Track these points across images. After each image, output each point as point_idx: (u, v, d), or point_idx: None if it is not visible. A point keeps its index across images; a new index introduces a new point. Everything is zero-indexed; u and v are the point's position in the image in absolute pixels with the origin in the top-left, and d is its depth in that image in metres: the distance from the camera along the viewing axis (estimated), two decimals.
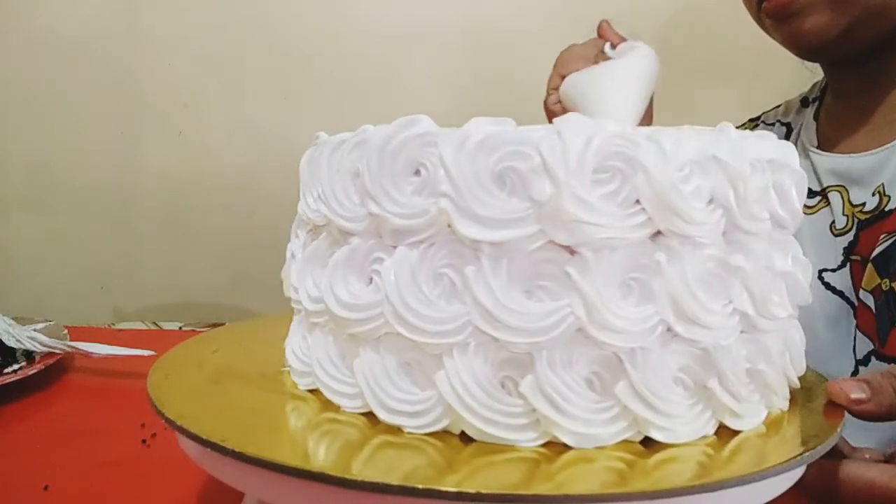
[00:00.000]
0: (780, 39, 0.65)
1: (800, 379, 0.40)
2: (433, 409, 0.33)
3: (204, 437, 0.32)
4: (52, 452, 0.54)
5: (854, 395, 0.39)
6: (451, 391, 0.33)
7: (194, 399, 0.38)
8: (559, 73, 0.70)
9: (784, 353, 0.38)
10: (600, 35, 0.72)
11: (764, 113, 0.80)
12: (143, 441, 0.55)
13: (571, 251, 0.32)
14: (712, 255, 0.34)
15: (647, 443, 0.33)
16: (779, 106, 0.79)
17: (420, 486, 0.28)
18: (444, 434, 0.34)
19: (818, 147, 0.69)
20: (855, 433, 0.40)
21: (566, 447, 0.32)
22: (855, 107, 0.67)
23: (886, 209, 0.61)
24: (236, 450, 0.31)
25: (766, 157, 0.36)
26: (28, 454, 0.54)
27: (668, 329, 0.33)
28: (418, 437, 0.34)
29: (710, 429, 0.34)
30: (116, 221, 1.16)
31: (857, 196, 0.64)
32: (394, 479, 0.29)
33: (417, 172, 0.34)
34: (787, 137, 0.73)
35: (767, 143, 0.38)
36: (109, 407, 0.64)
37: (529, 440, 0.33)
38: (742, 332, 0.35)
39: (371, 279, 0.36)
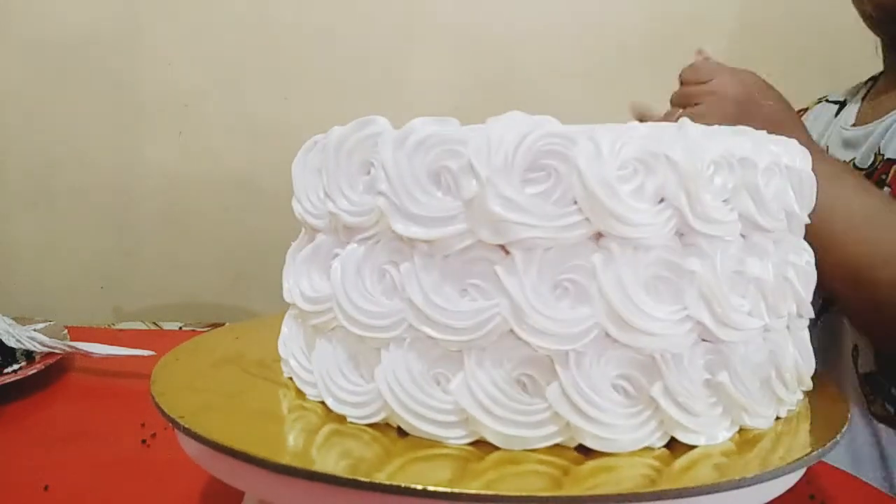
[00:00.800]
0: (870, 5, 0.65)
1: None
2: (374, 401, 0.34)
3: (205, 437, 0.33)
4: (52, 452, 0.54)
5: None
6: (386, 385, 0.33)
7: (196, 398, 0.38)
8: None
9: (765, 367, 0.36)
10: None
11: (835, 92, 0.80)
12: (143, 441, 0.55)
13: (506, 251, 0.32)
14: (660, 258, 0.33)
15: (585, 451, 0.32)
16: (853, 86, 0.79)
17: (438, 489, 0.28)
18: (385, 426, 0.34)
19: (853, 125, 0.70)
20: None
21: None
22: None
23: (879, 164, 0.63)
24: (236, 448, 0.31)
25: (738, 156, 0.34)
26: (28, 454, 0.54)
27: (607, 334, 0.32)
28: (360, 427, 0.34)
29: (657, 440, 0.33)
30: (116, 221, 1.16)
31: (862, 161, 0.66)
32: (401, 481, 0.29)
33: (369, 171, 0.36)
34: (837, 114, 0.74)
35: (741, 139, 0.36)
36: (109, 407, 0.64)
37: (457, 437, 0.33)
38: (703, 340, 0.34)
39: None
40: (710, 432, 0.33)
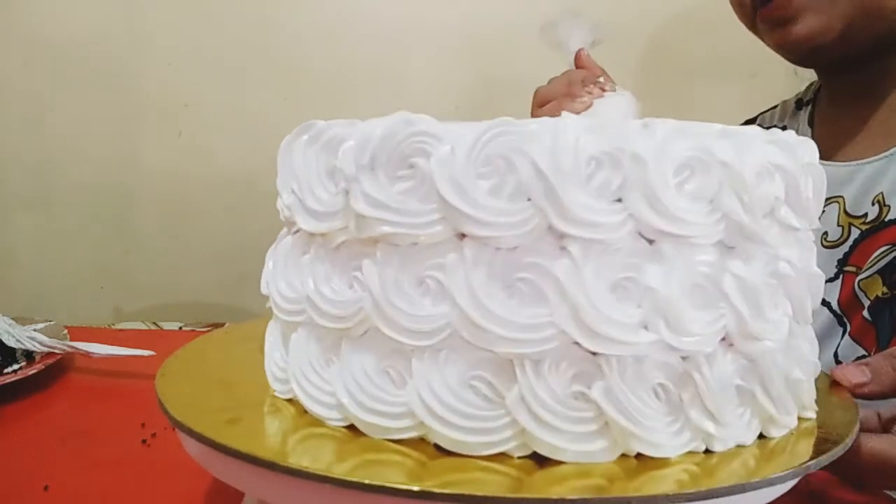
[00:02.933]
0: (773, 45, 0.64)
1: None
2: (338, 401, 0.34)
3: (206, 437, 0.33)
4: (52, 452, 0.54)
5: (856, 380, 0.41)
6: (341, 381, 0.34)
7: (199, 399, 0.38)
8: (539, 106, 0.67)
9: (745, 380, 0.35)
10: (578, 65, 0.68)
11: (760, 115, 0.79)
12: (144, 441, 0.55)
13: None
14: (624, 262, 0.32)
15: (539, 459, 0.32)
16: (775, 107, 0.78)
17: (438, 491, 0.28)
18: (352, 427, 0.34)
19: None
20: None
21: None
22: (851, 113, 0.66)
23: (887, 219, 0.60)
24: (235, 448, 0.31)
25: (720, 158, 0.33)
26: (28, 454, 0.54)
27: (566, 336, 0.31)
28: (332, 427, 0.34)
29: (609, 454, 0.32)
30: (116, 221, 1.16)
31: (854, 206, 0.63)
32: (388, 481, 0.29)
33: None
34: None
35: (728, 140, 0.35)
36: (109, 407, 0.64)
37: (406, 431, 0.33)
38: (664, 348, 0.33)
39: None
40: (670, 444, 0.33)
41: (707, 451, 0.33)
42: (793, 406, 0.36)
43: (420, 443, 0.33)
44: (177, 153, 1.14)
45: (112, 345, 0.71)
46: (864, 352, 0.60)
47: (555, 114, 0.63)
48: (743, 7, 0.66)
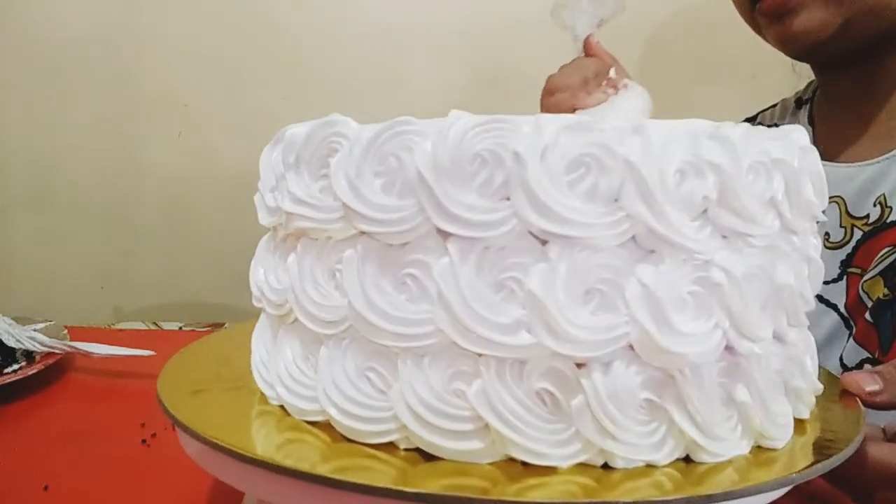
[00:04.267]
0: (772, 39, 0.63)
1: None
2: (319, 396, 0.34)
3: (205, 437, 0.33)
4: (52, 452, 0.54)
5: (869, 388, 0.39)
6: (275, 370, 0.36)
7: (200, 400, 0.38)
8: (550, 95, 0.67)
9: (729, 389, 0.33)
10: (588, 52, 0.68)
11: (760, 113, 0.79)
12: (143, 441, 0.56)
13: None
14: (509, 262, 0.31)
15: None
16: (775, 105, 0.77)
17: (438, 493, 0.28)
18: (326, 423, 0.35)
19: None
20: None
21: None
22: (851, 113, 0.65)
23: (889, 220, 0.60)
24: (235, 449, 0.31)
25: (708, 159, 0.31)
26: (28, 454, 0.54)
27: (444, 333, 0.31)
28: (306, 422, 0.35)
29: (585, 457, 0.31)
30: (116, 221, 1.16)
31: (855, 207, 0.62)
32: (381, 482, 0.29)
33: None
34: None
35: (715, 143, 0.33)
36: (109, 407, 0.64)
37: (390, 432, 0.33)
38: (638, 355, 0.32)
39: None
40: (553, 453, 0.31)
41: (606, 466, 0.31)
42: (728, 430, 0.32)
43: (328, 427, 0.34)
44: (177, 153, 1.14)
45: (112, 345, 0.71)
46: (867, 354, 0.59)
47: (565, 104, 0.63)
48: (742, 1, 0.65)
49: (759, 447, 0.34)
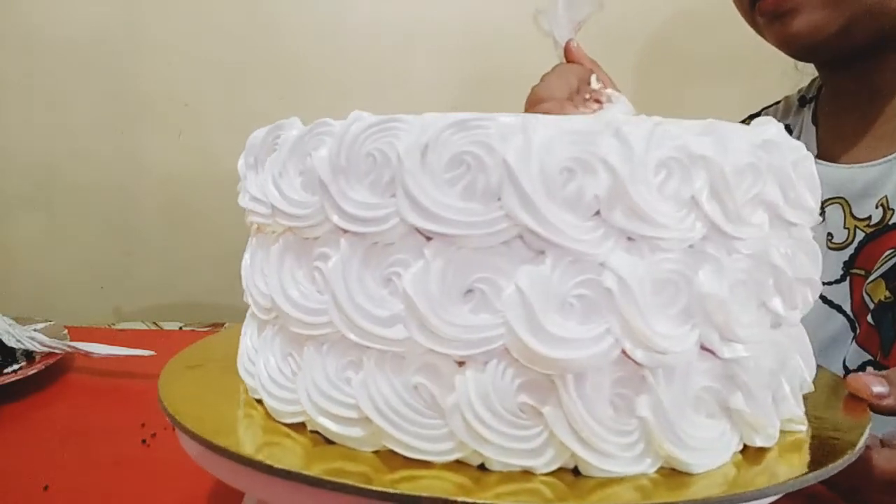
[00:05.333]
0: (772, 39, 0.63)
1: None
2: (299, 398, 0.34)
3: (205, 438, 0.33)
4: (52, 452, 0.54)
5: (876, 390, 0.39)
6: (263, 364, 0.37)
7: (201, 401, 0.38)
8: (533, 105, 0.65)
9: (716, 391, 0.33)
10: (568, 58, 0.67)
11: (763, 109, 0.78)
12: (143, 441, 0.56)
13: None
14: (394, 257, 0.32)
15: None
16: (778, 102, 0.77)
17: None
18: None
19: (817, 156, 0.67)
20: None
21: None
22: (854, 114, 0.65)
23: (891, 222, 0.59)
24: (234, 451, 0.31)
25: (602, 157, 0.30)
26: (28, 454, 0.54)
27: (409, 334, 0.31)
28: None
29: (549, 465, 0.30)
30: (116, 221, 1.16)
31: (859, 209, 0.62)
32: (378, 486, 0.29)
33: None
34: None
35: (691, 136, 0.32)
36: (109, 407, 0.64)
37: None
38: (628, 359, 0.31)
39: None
40: (432, 449, 0.32)
41: (483, 467, 0.31)
42: (623, 447, 0.31)
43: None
44: (177, 153, 1.14)
45: (112, 345, 0.71)
46: (869, 357, 0.59)
47: (551, 115, 0.63)
48: (742, 1, 0.65)
49: (747, 448, 0.34)
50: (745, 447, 0.34)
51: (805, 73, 0.74)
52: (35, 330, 0.73)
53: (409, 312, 0.31)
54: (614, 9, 1.05)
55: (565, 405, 0.30)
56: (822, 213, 0.64)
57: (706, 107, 1.02)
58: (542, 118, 0.31)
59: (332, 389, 0.33)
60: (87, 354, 0.71)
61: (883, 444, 0.39)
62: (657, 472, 0.31)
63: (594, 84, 0.63)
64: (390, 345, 0.31)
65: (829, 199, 0.64)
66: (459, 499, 0.28)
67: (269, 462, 0.30)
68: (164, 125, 1.14)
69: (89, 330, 0.87)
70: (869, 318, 0.59)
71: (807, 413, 0.37)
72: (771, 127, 0.36)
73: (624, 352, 0.30)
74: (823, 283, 0.62)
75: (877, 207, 0.61)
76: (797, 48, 0.62)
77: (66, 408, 0.65)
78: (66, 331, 0.78)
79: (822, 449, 0.34)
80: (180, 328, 1.00)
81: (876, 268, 0.59)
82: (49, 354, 0.70)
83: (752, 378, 0.33)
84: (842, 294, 0.62)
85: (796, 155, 0.36)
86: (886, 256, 0.58)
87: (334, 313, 0.32)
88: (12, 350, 0.70)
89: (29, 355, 0.70)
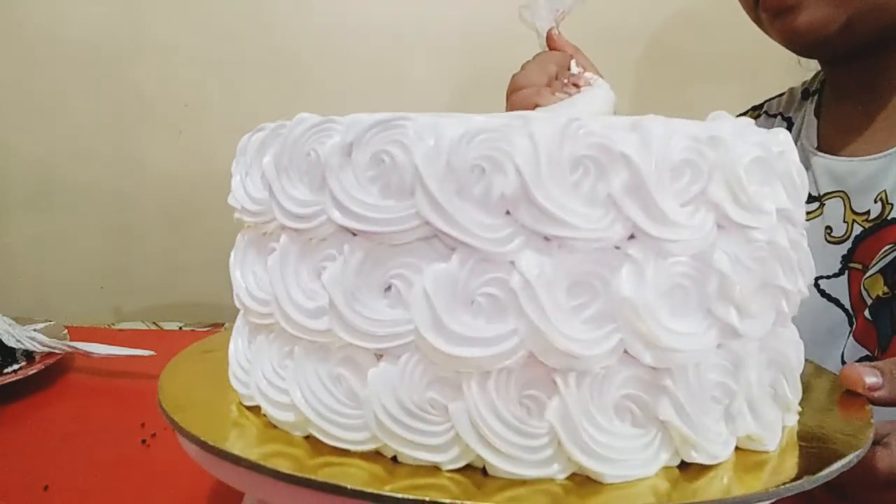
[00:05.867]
0: (776, 35, 0.63)
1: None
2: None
3: (204, 441, 0.33)
4: (52, 452, 0.54)
5: (869, 381, 0.39)
6: (259, 368, 0.37)
7: (201, 402, 0.38)
8: (513, 93, 0.67)
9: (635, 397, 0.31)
10: (550, 46, 0.68)
11: (767, 101, 0.78)
12: (143, 441, 0.56)
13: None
14: (324, 252, 0.33)
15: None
16: (782, 94, 0.77)
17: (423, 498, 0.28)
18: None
19: (817, 148, 0.67)
20: None
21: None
22: (855, 108, 0.65)
23: (889, 217, 0.59)
24: (234, 453, 0.31)
25: (510, 154, 0.30)
26: (28, 454, 0.54)
27: (329, 326, 0.32)
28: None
29: (453, 462, 0.31)
30: (116, 221, 1.16)
31: (858, 203, 0.62)
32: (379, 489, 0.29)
33: None
34: None
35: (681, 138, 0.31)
36: (109, 407, 0.64)
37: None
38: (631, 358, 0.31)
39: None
40: (349, 438, 0.33)
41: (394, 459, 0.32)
42: (529, 450, 0.30)
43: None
44: (177, 153, 1.14)
45: (112, 345, 0.71)
46: (867, 352, 0.59)
47: (529, 102, 0.63)
48: None
49: (741, 449, 0.33)
50: (690, 464, 0.32)
51: (808, 69, 0.73)
52: (35, 330, 0.73)
53: (329, 305, 0.32)
54: (614, 9, 1.06)
55: (469, 403, 0.30)
56: (822, 206, 0.64)
57: (706, 107, 1.02)
58: (459, 117, 0.31)
59: (273, 376, 0.35)
60: (87, 354, 0.71)
61: (875, 441, 0.39)
62: (569, 478, 0.30)
63: (573, 69, 0.64)
64: (316, 336, 0.33)
65: (830, 192, 0.64)
66: (358, 488, 0.28)
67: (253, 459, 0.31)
68: (164, 125, 1.14)
69: (89, 330, 0.87)
70: (866, 313, 0.59)
71: (801, 415, 0.37)
72: (723, 122, 0.35)
73: (530, 353, 0.30)
74: (822, 277, 0.63)
75: (876, 202, 0.61)
76: (800, 44, 0.62)
77: (66, 408, 0.65)
78: (66, 331, 0.78)
79: (808, 458, 0.33)
80: (180, 328, 1.00)
81: (874, 262, 0.59)
82: (49, 354, 0.70)
83: (686, 389, 0.31)
84: (840, 288, 0.62)
85: (757, 153, 0.33)
86: (885, 251, 0.58)
87: (273, 304, 0.34)
88: (12, 350, 0.70)
89: (29, 355, 0.70)
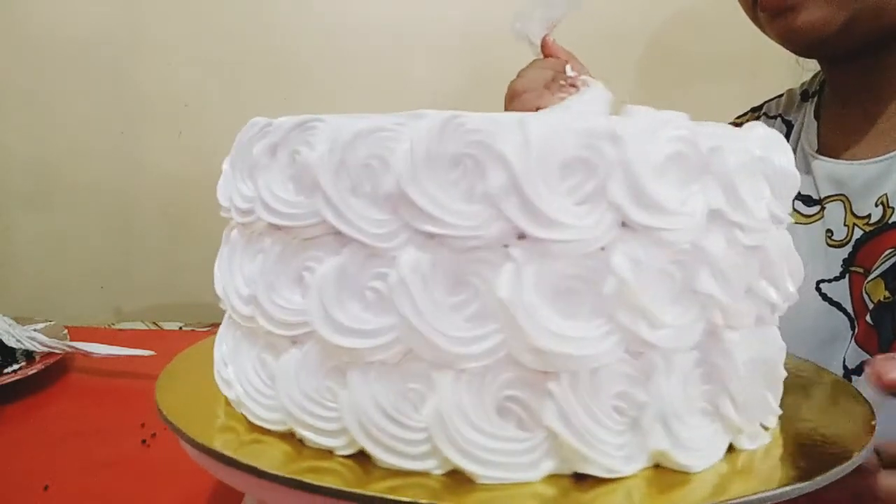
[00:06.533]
0: (774, 35, 0.63)
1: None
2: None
3: (209, 447, 0.33)
4: (52, 452, 0.54)
5: (894, 375, 0.36)
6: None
7: (200, 404, 0.38)
8: (511, 100, 0.68)
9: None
10: (545, 53, 0.69)
11: (766, 103, 0.77)
12: (143, 441, 0.56)
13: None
14: (307, 254, 0.33)
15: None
16: (781, 95, 0.76)
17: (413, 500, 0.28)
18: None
19: (818, 151, 0.66)
20: None
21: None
22: (856, 110, 0.65)
23: (890, 221, 0.59)
24: (231, 456, 0.31)
25: (390, 150, 0.31)
26: (28, 454, 0.54)
27: (252, 314, 0.35)
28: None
29: (437, 468, 0.30)
30: (116, 221, 1.16)
31: (859, 206, 0.62)
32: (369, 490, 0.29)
33: None
34: (787, 136, 0.71)
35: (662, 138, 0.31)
36: (109, 407, 0.64)
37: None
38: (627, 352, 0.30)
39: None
40: (326, 436, 0.33)
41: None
42: (412, 444, 0.30)
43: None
44: (177, 153, 1.14)
45: (112, 345, 0.71)
46: (868, 357, 0.59)
47: (530, 105, 0.64)
48: None
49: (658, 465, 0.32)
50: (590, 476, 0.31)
51: (806, 69, 0.73)
52: (35, 330, 0.73)
53: (253, 294, 0.34)
54: (614, 9, 1.06)
55: (353, 393, 0.31)
56: (823, 209, 0.64)
57: (706, 107, 1.02)
58: (347, 117, 0.33)
59: (227, 358, 0.38)
60: (87, 354, 0.71)
61: (879, 454, 0.38)
62: (448, 474, 0.30)
63: (570, 72, 0.64)
64: (247, 321, 0.35)
65: (830, 195, 0.64)
66: (258, 467, 0.30)
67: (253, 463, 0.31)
68: (164, 125, 1.14)
69: (89, 330, 0.87)
70: (868, 317, 0.59)
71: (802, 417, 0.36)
72: (637, 117, 0.34)
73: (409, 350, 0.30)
74: (823, 280, 0.63)
75: (876, 205, 0.60)
76: (799, 44, 0.62)
77: (66, 408, 0.65)
78: (66, 331, 0.78)
79: (805, 460, 0.32)
80: (180, 328, 1.00)
81: (875, 267, 0.59)
82: (49, 354, 0.70)
83: (575, 396, 0.29)
84: (841, 291, 0.62)
85: (676, 149, 0.31)
86: (886, 256, 0.58)
87: (222, 293, 0.38)
88: (12, 350, 0.70)
89: (29, 355, 0.70)
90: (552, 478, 0.30)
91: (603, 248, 0.30)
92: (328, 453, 0.32)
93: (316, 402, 0.32)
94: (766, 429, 0.35)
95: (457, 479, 0.30)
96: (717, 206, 0.32)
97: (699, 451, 0.31)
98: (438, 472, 0.30)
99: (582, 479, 0.30)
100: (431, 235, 0.30)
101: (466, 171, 0.30)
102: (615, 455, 0.30)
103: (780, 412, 0.36)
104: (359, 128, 0.31)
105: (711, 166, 0.32)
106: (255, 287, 0.34)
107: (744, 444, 0.34)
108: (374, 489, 0.28)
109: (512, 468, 0.30)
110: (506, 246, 0.29)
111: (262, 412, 0.34)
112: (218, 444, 0.32)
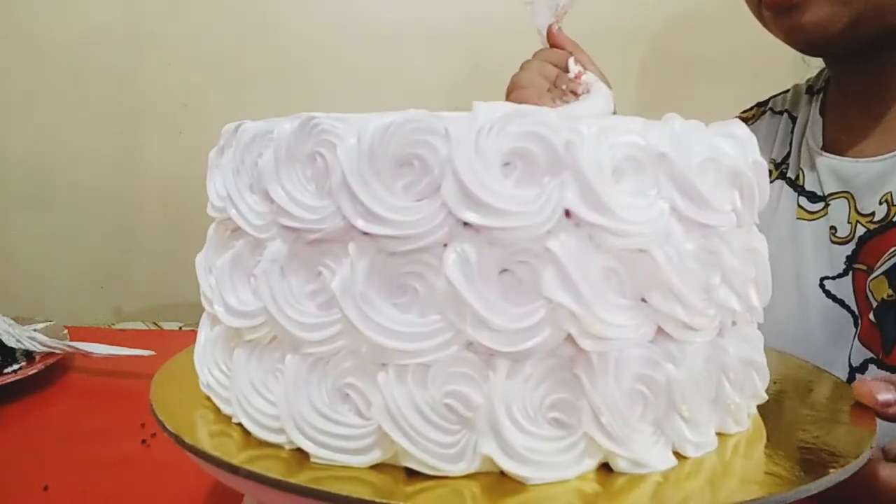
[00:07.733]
0: (779, 34, 0.63)
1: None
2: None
3: (205, 452, 0.33)
4: (52, 452, 0.54)
5: (882, 397, 0.36)
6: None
7: (199, 406, 0.38)
8: (511, 92, 0.68)
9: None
10: (551, 42, 0.68)
11: (772, 98, 0.77)
12: (143, 441, 0.55)
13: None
14: (267, 250, 0.35)
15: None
16: (787, 91, 0.76)
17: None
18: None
19: (823, 148, 0.66)
20: None
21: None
22: (861, 108, 0.65)
23: (894, 219, 0.59)
24: (232, 462, 0.31)
25: (329, 147, 0.33)
26: (28, 454, 0.54)
27: (213, 310, 0.39)
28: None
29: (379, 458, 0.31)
30: (116, 221, 1.16)
31: (863, 204, 0.62)
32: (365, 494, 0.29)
33: None
34: (792, 132, 0.71)
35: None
36: (109, 407, 0.64)
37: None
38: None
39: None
40: (347, 452, 0.32)
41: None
42: (345, 439, 0.31)
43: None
44: (177, 153, 1.14)
45: (112, 345, 0.71)
46: (871, 355, 0.59)
47: (529, 102, 0.64)
48: None
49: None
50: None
51: (812, 67, 0.73)
52: (35, 330, 0.73)
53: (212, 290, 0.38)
54: (617, 9, 1.06)
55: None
56: (827, 206, 0.64)
57: (706, 107, 1.02)
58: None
59: (217, 372, 0.39)
60: (86, 354, 0.71)
61: (885, 453, 0.38)
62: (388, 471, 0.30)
63: (572, 69, 0.64)
64: (216, 317, 0.38)
65: (835, 192, 0.64)
66: (214, 454, 0.32)
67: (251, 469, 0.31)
68: (164, 125, 1.14)
69: (89, 330, 0.86)
70: (871, 315, 0.59)
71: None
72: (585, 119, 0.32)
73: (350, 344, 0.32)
74: (827, 277, 0.62)
75: (881, 203, 0.60)
76: (804, 43, 0.62)
77: (66, 408, 0.64)
78: (65, 331, 0.78)
79: (808, 463, 0.32)
80: (180, 328, 1.00)
81: (879, 265, 0.59)
82: (49, 354, 0.70)
83: (410, 391, 0.30)
84: (845, 288, 0.62)
85: (629, 151, 0.31)
86: (890, 254, 0.58)
87: (215, 299, 0.40)
88: (12, 350, 0.70)
89: (29, 355, 0.70)
90: (380, 466, 0.31)
91: (446, 245, 0.30)
92: (274, 446, 0.33)
93: (259, 395, 0.34)
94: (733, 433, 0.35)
95: (302, 455, 0.32)
96: (677, 206, 0.32)
97: (537, 462, 0.30)
98: (287, 447, 0.32)
99: (415, 475, 0.30)
100: (293, 229, 0.33)
101: (411, 171, 0.31)
102: (440, 453, 0.30)
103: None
104: (300, 123, 0.35)
105: (663, 167, 0.32)
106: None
107: (692, 453, 0.32)
108: (305, 478, 0.30)
109: (443, 458, 0.30)
110: (347, 241, 0.31)
111: (222, 405, 0.37)
112: (207, 445, 0.33)
